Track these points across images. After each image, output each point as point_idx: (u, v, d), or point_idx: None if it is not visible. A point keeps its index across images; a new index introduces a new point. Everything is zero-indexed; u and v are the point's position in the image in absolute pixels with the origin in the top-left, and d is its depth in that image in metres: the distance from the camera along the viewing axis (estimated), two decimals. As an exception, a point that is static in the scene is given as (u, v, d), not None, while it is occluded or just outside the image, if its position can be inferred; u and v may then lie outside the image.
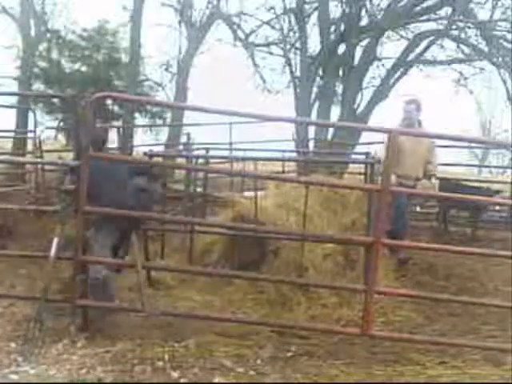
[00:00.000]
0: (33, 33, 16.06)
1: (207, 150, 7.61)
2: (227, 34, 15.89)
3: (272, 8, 14.09)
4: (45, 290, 3.66)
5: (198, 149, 9.06)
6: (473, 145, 14.91)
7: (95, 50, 16.17)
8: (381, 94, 12.42)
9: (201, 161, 7.46)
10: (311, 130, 12.35)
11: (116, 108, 16.27)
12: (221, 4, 15.73)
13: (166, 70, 17.35)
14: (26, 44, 15.71)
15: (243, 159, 7.49)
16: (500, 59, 11.66)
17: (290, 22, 13.73)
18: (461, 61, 13.11)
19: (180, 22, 16.66)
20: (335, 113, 12.72)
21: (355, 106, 12.41)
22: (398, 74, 12.53)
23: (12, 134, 12.73)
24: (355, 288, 4.30)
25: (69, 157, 7.22)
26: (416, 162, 6.08)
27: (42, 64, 16.08)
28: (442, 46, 12.91)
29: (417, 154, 6.06)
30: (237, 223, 5.38)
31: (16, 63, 16.16)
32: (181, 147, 12.08)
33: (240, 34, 15.27)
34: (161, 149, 12.38)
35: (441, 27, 12.28)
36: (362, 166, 6.22)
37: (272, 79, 15.16)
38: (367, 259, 4.14)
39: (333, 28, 12.72)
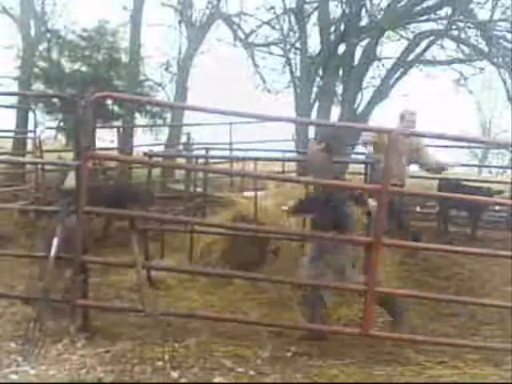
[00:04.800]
0: (33, 33, 16.05)
1: (207, 150, 7.62)
2: (227, 34, 15.91)
3: (272, 8, 14.10)
4: (45, 290, 3.66)
5: (197, 149, 9.07)
6: (473, 145, 14.92)
7: (95, 50, 16.12)
8: (381, 94, 12.42)
9: (201, 161, 7.47)
10: (311, 130, 12.36)
11: (116, 108, 16.25)
12: (221, 4, 15.75)
13: (166, 69, 17.35)
14: (26, 44, 15.70)
15: (243, 159, 7.49)
16: (500, 59, 11.67)
17: (290, 21, 13.74)
18: (461, 61, 13.12)
19: (180, 22, 16.66)
20: (335, 113, 12.74)
21: (355, 106, 12.41)
22: (398, 74, 12.53)
23: (12, 134, 12.73)
24: (355, 288, 4.30)
25: (69, 157, 7.23)
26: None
27: (42, 64, 16.04)
28: (442, 46, 12.93)
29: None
30: (237, 223, 5.38)
31: (16, 63, 16.14)
32: (181, 147, 12.10)
33: (240, 34, 15.28)
34: (161, 149, 12.40)
35: (441, 27, 12.28)
36: (362, 165, 6.23)
37: (272, 79, 15.18)
38: (367, 259, 4.14)
39: (333, 28, 12.72)
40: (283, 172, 9.46)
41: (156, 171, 7.69)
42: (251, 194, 6.04)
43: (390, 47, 13.64)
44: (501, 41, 11.63)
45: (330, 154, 4.18)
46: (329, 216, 3.91)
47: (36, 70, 15.73)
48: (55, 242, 3.72)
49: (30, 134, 9.98)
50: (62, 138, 16.78)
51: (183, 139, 13.99)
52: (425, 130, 6.21)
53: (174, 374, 3.26)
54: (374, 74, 13.32)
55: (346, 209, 4.06)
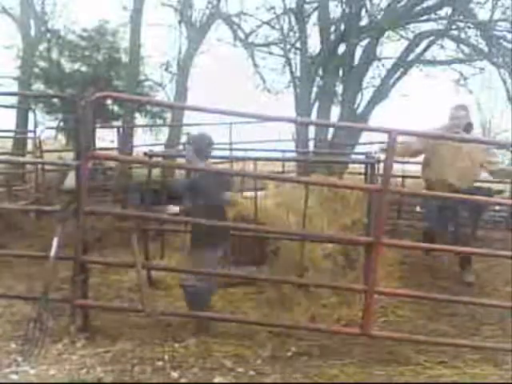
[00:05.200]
0: (33, 33, 16.05)
1: (207, 150, 7.59)
2: (227, 34, 15.90)
3: (272, 8, 14.07)
4: (45, 290, 3.65)
5: (197, 149, 9.04)
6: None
7: (95, 50, 16.15)
8: (381, 94, 12.41)
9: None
10: (311, 130, 12.36)
11: (116, 108, 16.26)
12: (221, 4, 15.74)
13: (166, 69, 17.35)
14: (26, 44, 15.70)
15: (243, 159, 7.48)
16: (500, 59, 11.66)
17: (290, 22, 13.73)
18: (461, 61, 13.11)
19: (180, 22, 16.65)
20: (335, 113, 12.74)
21: (355, 106, 12.40)
22: (398, 73, 12.52)
23: (12, 134, 12.73)
24: (355, 288, 4.30)
25: (69, 157, 7.23)
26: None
27: (42, 64, 16.07)
28: (442, 46, 12.91)
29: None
30: (237, 223, 5.37)
31: (16, 63, 16.17)
32: (181, 147, 12.09)
33: (240, 34, 15.27)
34: (161, 149, 12.39)
35: (441, 27, 12.28)
36: (362, 166, 6.22)
37: (272, 79, 15.17)
38: (367, 259, 4.14)
39: (333, 28, 12.71)
40: (283, 172, 9.46)
41: (156, 171, 7.67)
42: (251, 193, 6.04)
43: (390, 47, 13.67)
44: (501, 41, 11.62)
45: (199, 155, 4.28)
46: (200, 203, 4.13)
47: (36, 69, 15.75)
48: (55, 241, 3.72)
49: (30, 134, 9.97)
50: (62, 137, 16.77)
51: (183, 139, 13.99)
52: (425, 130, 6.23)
53: (174, 374, 3.26)
54: (374, 74, 13.30)
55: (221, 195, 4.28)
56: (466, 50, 12.73)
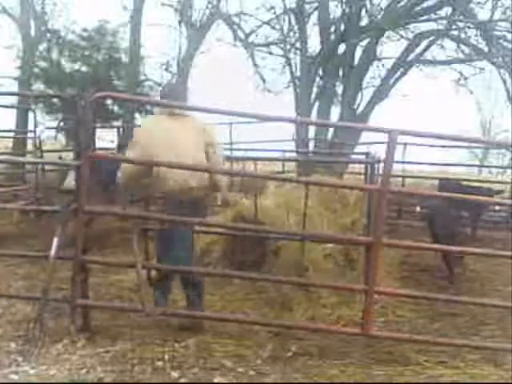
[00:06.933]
0: (33, 33, 16.06)
1: (207, 150, 7.59)
2: (227, 34, 15.92)
3: (272, 8, 14.11)
4: (45, 290, 3.65)
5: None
6: (473, 145, 14.94)
7: (95, 50, 16.12)
8: (381, 94, 12.43)
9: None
10: (311, 130, 12.37)
11: (116, 108, 16.25)
12: (221, 4, 15.74)
13: (166, 70, 17.34)
14: (26, 44, 15.71)
15: (243, 159, 7.49)
16: (500, 59, 11.67)
17: (290, 22, 13.75)
18: (461, 61, 13.12)
19: (180, 22, 16.66)
20: (335, 113, 12.75)
21: (355, 106, 12.42)
22: (398, 74, 12.55)
23: (12, 134, 12.73)
24: (355, 288, 4.30)
25: (69, 157, 7.22)
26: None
27: (42, 64, 16.06)
28: (442, 46, 12.94)
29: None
30: (237, 223, 5.38)
31: (16, 63, 16.16)
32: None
33: (240, 33, 15.28)
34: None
35: (441, 27, 12.29)
36: (362, 165, 6.23)
37: (272, 79, 15.19)
38: (367, 259, 4.14)
39: (333, 28, 12.73)
40: (283, 172, 9.47)
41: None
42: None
43: (390, 47, 13.70)
44: (501, 41, 11.64)
45: None
46: None
47: (36, 69, 15.73)
48: (55, 241, 3.72)
49: (30, 134, 9.97)
50: (62, 137, 16.77)
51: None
52: (424, 130, 6.23)
53: (174, 374, 3.26)
54: (374, 74, 13.34)
55: None
56: (466, 50, 12.75)
